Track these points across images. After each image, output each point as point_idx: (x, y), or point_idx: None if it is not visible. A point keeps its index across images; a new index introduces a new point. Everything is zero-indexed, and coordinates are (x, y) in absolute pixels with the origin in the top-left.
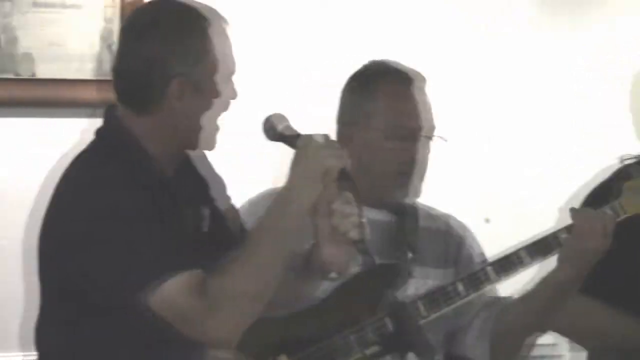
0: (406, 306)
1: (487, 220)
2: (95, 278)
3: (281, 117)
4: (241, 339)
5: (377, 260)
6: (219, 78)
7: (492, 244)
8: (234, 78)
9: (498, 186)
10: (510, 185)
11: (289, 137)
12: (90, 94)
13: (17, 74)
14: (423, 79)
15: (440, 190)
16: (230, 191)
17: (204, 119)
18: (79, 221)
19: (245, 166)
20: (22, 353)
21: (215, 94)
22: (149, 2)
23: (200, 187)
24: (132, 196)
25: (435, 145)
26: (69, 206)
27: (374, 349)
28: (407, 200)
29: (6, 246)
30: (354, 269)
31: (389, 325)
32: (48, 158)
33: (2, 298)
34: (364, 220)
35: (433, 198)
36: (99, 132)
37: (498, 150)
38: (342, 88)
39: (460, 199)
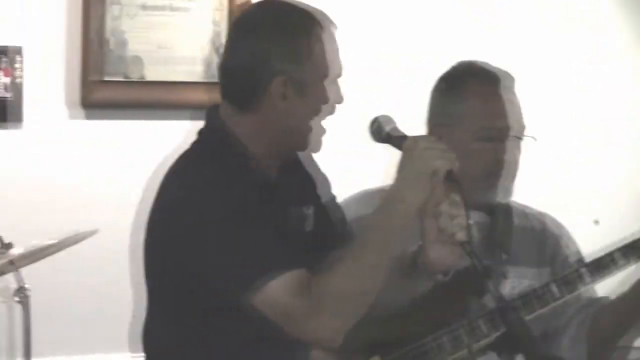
0: (511, 306)
1: (597, 222)
2: (200, 278)
3: (388, 119)
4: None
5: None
6: (323, 80)
7: (601, 246)
8: (341, 81)
9: (607, 188)
10: (621, 187)
11: (396, 139)
12: (199, 96)
13: (126, 77)
14: (512, 79)
15: (549, 191)
16: (337, 191)
17: (308, 121)
18: (183, 222)
19: (352, 167)
20: (131, 354)
21: (319, 95)
22: (258, 3)
23: (305, 186)
24: (236, 196)
25: (544, 147)
26: (173, 207)
27: (479, 346)
28: (501, 201)
29: (116, 247)
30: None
31: (483, 326)
32: (156, 160)
33: (112, 299)
34: (471, 221)
35: (542, 199)
36: (202, 133)
37: (609, 152)
38: (431, 89)
39: (569, 200)
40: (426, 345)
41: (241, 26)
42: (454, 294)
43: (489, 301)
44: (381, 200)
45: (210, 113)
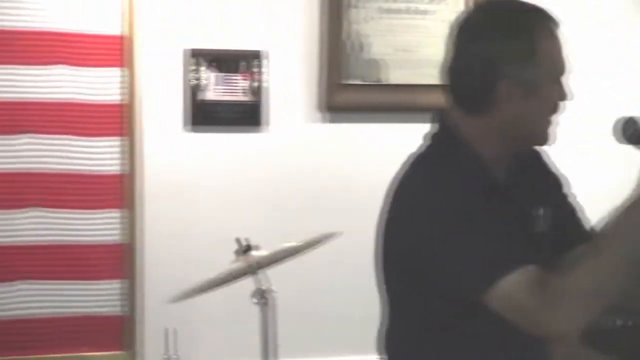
0: None
1: None
2: (437, 277)
3: (633, 120)
4: (611, 345)
5: None
6: (548, 80)
7: None
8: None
9: None
10: None
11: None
12: (439, 99)
13: (365, 80)
14: None
15: None
16: (583, 192)
17: (534, 121)
18: (421, 223)
19: (598, 168)
20: (367, 356)
21: (546, 95)
22: (482, 4)
23: (536, 187)
24: (472, 197)
25: None
26: (411, 209)
27: None
28: None
29: (358, 249)
30: None
31: None
32: (397, 162)
33: (355, 302)
34: None
35: None
36: (433, 136)
37: None
38: None
39: None
40: None
41: (465, 29)
42: None
43: None
44: (626, 201)
45: (440, 116)
